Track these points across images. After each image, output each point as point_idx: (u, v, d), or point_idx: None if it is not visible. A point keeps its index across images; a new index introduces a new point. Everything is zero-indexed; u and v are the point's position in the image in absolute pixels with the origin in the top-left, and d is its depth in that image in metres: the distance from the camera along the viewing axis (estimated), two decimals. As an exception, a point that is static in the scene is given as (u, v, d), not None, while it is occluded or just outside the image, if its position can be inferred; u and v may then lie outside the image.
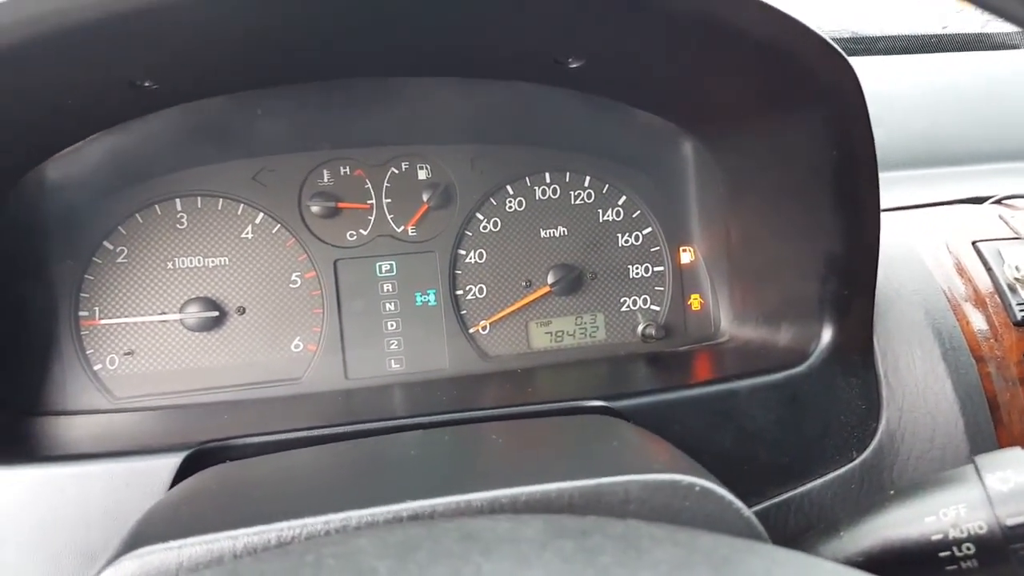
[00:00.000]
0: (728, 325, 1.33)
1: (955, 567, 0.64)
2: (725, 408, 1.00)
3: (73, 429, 1.10)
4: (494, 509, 0.60)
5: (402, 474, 0.71)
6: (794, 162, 1.04)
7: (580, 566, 0.40)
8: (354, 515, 0.59)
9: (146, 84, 0.92)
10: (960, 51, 1.75)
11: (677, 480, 0.63)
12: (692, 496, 0.63)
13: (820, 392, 1.03)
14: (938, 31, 1.80)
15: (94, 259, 1.20)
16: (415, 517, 0.59)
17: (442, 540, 0.43)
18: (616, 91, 1.13)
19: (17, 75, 0.81)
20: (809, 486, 1.01)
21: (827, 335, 1.04)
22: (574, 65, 0.99)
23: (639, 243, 1.35)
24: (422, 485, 0.64)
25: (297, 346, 1.25)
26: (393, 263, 1.29)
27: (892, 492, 0.68)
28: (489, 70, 1.06)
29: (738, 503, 0.63)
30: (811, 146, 0.98)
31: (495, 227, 1.32)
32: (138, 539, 0.60)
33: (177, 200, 1.22)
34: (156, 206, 1.21)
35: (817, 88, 0.88)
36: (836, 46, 0.84)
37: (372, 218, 1.29)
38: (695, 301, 1.36)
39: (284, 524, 0.58)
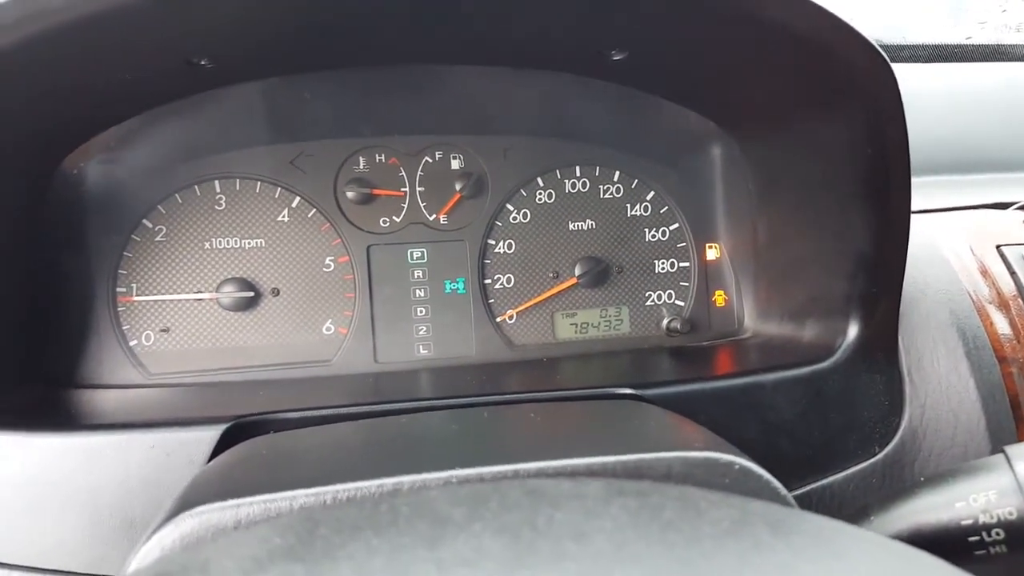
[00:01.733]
0: (751, 321, 1.35)
1: (984, 552, 0.66)
2: (751, 400, 1.01)
3: (109, 402, 1.13)
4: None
5: (448, 446, 0.73)
6: (827, 160, 1.06)
7: (646, 519, 0.42)
8: (407, 479, 0.61)
9: (202, 63, 0.94)
10: (983, 61, 1.77)
11: (717, 458, 0.65)
12: (731, 474, 0.65)
13: (844, 387, 1.04)
14: (961, 42, 1.82)
15: (133, 236, 1.22)
16: (466, 481, 0.61)
17: (510, 494, 0.46)
18: (654, 85, 1.15)
19: (79, 49, 0.83)
20: (831, 479, 1.03)
21: (853, 332, 1.06)
22: (617, 57, 1.01)
23: (666, 238, 1.37)
24: (470, 455, 0.66)
25: (329, 329, 1.28)
26: (424, 250, 1.31)
27: (922, 479, 0.70)
28: (531, 60, 1.08)
29: (776, 483, 0.64)
30: (846, 144, 1.00)
31: (525, 218, 1.34)
32: (194, 499, 0.62)
33: (216, 182, 1.25)
34: (196, 187, 1.24)
35: (856, 86, 0.90)
36: (876, 44, 0.86)
37: (405, 206, 1.31)
38: (719, 297, 1.38)
39: (340, 486, 0.60)
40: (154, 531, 0.59)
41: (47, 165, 1.12)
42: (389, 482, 0.61)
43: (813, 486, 1.03)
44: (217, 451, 0.87)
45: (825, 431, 1.03)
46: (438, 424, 0.83)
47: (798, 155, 1.12)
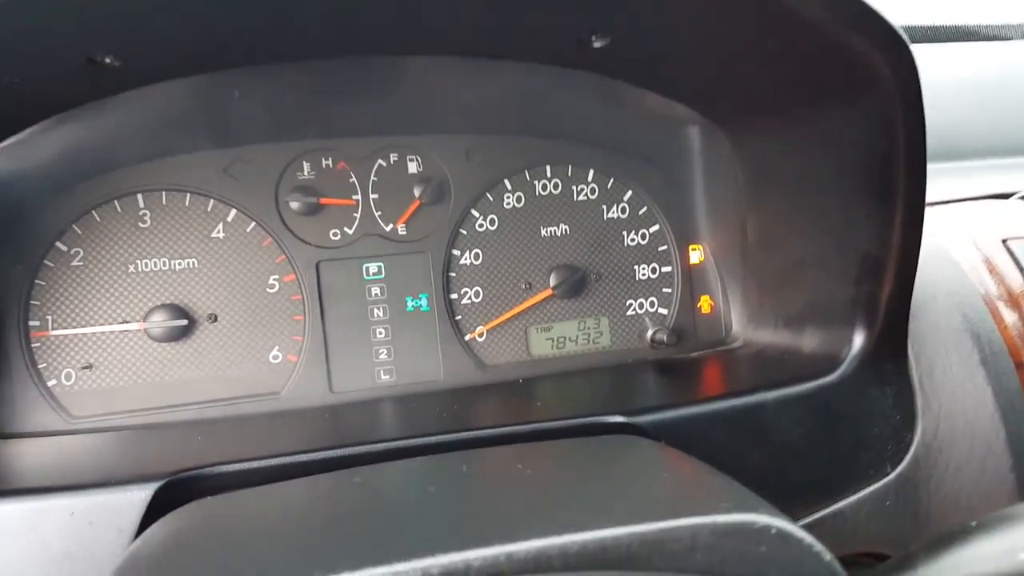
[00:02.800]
0: (741, 329, 1.25)
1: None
2: (753, 422, 0.92)
3: (26, 455, 0.98)
4: (541, 563, 0.50)
5: (423, 517, 0.61)
6: (833, 153, 0.96)
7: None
8: (376, 572, 0.48)
9: (107, 61, 0.79)
10: (983, 40, 1.68)
11: (751, 522, 0.54)
12: (767, 540, 0.54)
13: (852, 402, 0.96)
14: (961, 21, 1.73)
15: (45, 262, 1.07)
16: (449, 574, 0.49)
17: None
18: (637, 75, 1.04)
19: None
20: (842, 504, 0.95)
21: (859, 341, 0.97)
22: (598, 44, 0.90)
23: (646, 242, 1.26)
24: (451, 532, 0.54)
25: (276, 357, 1.13)
26: (381, 265, 1.18)
27: (974, 524, 0.60)
28: (501, 49, 0.95)
29: (819, 546, 0.54)
30: (857, 136, 0.90)
31: (492, 225, 1.22)
32: None
33: (139, 196, 1.10)
34: (116, 202, 1.09)
35: (875, 75, 0.80)
36: (902, 32, 0.76)
37: (358, 215, 1.17)
38: (705, 303, 1.27)
39: None
40: None
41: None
42: None
43: (823, 513, 0.95)
44: (148, 515, 0.74)
45: (833, 451, 0.96)
46: (409, 483, 0.71)
47: (798, 148, 1.02)
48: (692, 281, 1.27)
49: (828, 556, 0.52)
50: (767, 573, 0.52)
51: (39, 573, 0.73)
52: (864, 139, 0.88)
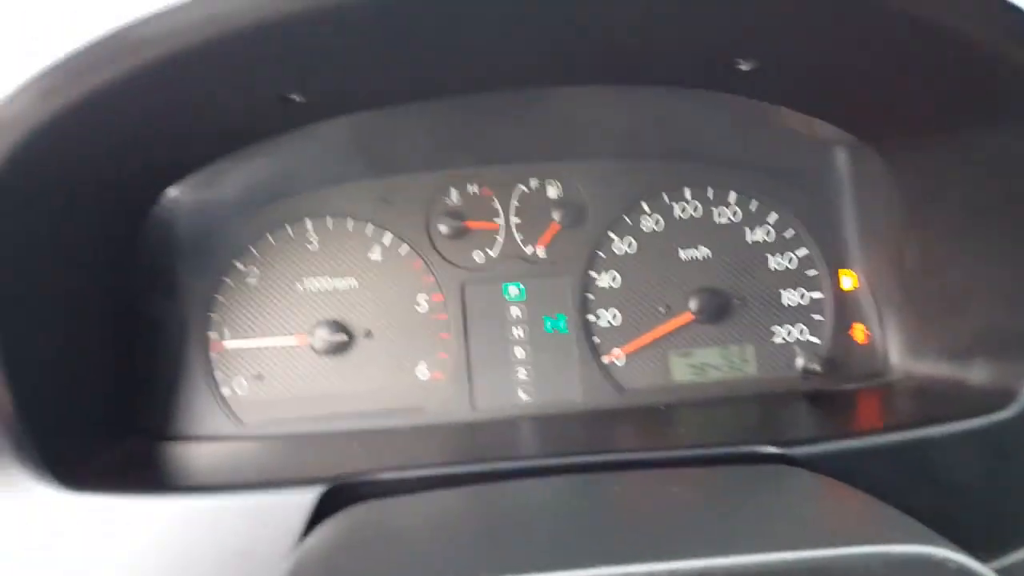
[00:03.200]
0: (900, 360, 1.16)
1: None
2: (918, 459, 0.86)
3: (201, 457, 1.07)
4: None
5: (586, 530, 0.61)
6: (1000, 173, 0.89)
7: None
8: None
9: (295, 98, 0.89)
10: None
11: (929, 554, 0.50)
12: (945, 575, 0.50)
13: None
14: None
15: (225, 279, 1.19)
16: None
17: None
18: (784, 95, 1.02)
19: (170, 88, 0.79)
20: (1015, 557, 0.85)
21: None
22: (745, 68, 0.89)
23: (793, 266, 1.21)
24: (615, 545, 0.54)
25: (423, 373, 1.19)
26: (522, 286, 1.21)
27: None
28: (648, 75, 0.97)
29: None
30: None
31: (630, 248, 1.22)
32: None
33: (308, 220, 1.20)
34: (288, 227, 1.20)
35: None
36: None
37: (501, 239, 1.22)
38: (859, 332, 1.20)
39: None
40: None
41: (139, 207, 1.11)
42: None
43: (997, 563, 0.85)
44: (314, 515, 0.79)
45: (1007, 496, 0.87)
46: (566, 498, 0.71)
47: (963, 168, 0.96)
48: (845, 308, 1.20)
49: None
50: None
51: (212, 567, 0.78)
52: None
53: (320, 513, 0.78)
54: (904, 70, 0.87)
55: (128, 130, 0.85)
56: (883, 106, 0.98)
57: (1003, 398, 0.88)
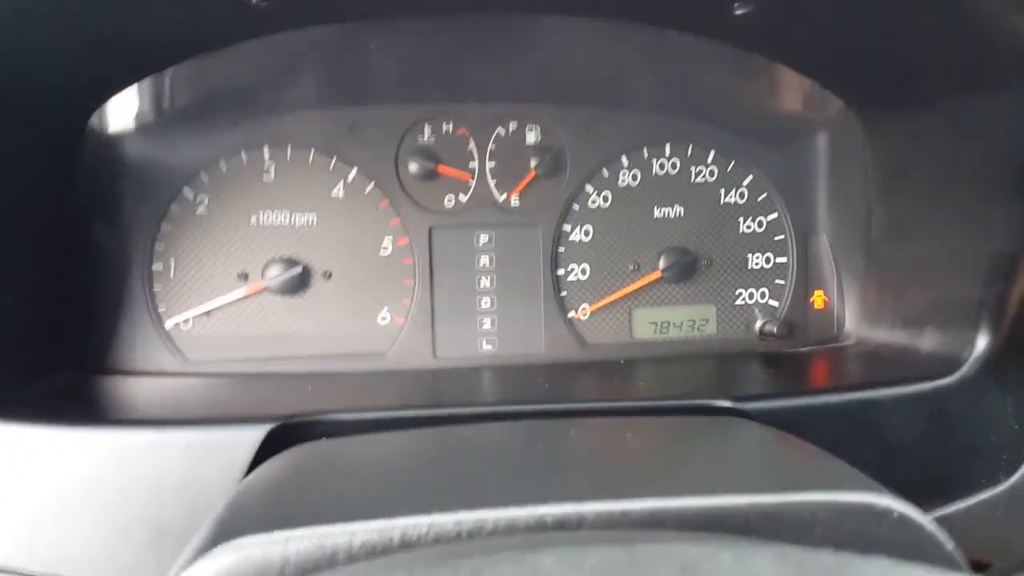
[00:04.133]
0: (854, 326, 1.20)
1: None
2: (865, 419, 0.89)
3: (143, 391, 1.02)
4: (654, 522, 0.49)
5: (534, 470, 0.61)
6: (975, 143, 0.91)
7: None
8: (490, 515, 0.48)
9: (254, 0, 0.79)
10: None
11: (872, 503, 0.52)
12: (888, 522, 0.52)
13: (969, 407, 0.92)
14: None
15: (172, 207, 1.10)
16: (561, 524, 0.49)
17: (654, 566, 0.33)
18: (775, 47, 0.99)
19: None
20: (949, 510, 0.91)
21: (982, 343, 0.92)
22: (739, 11, 0.86)
23: (762, 230, 1.22)
24: (563, 485, 0.53)
25: (384, 318, 1.14)
26: (492, 235, 1.17)
27: None
28: (639, 11, 0.92)
29: (941, 535, 0.52)
30: (1004, 125, 0.85)
31: (605, 202, 1.20)
32: (234, 526, 0.50)
33: (265, 148, 1.11)
34: (243, 153, 1.11)
35: None
36: None
37: (473, 183, 1.17)
38: (818, 298, 1.23)
39: (409, 520, 0.48)
40: (187, 563, 0.47)
41: (77, 119, 0.99)
42: (468, 517, 0.48)
43: (934, 515, 0.90)
44: (259, 454, 0.76)
45: (945, 455, 0.92)
46: (517, 439, 0.70)
47: (939, 136, 0.97)
48: (808, 274, 1.22)
49: (951, 544, 0.49)
50: (885, 555, 0.51)
51: (155, 500, 0.75)
52: (1012, 129, 0.82)
53: (267, 451, 0.75)
54: (899, 28, 0.86)
55: (70, 27, 0.75)
56: (871, 66, 0.97)
57: (949, 365, 0.93)
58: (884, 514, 0.51)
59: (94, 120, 1.01)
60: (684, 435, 0.74)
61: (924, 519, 0.52)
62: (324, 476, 0.63)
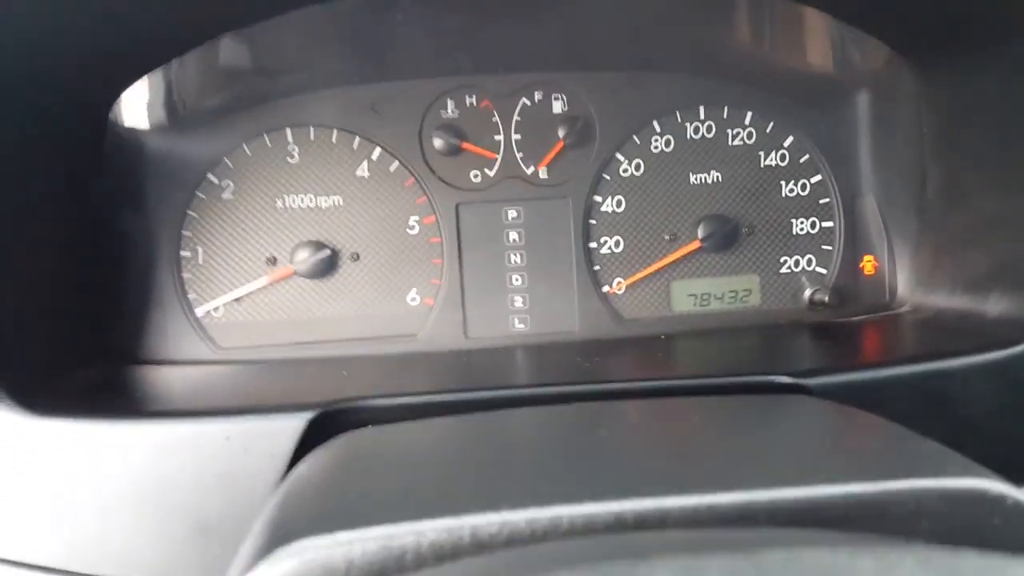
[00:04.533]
0: (908, 292, 1.13)
1: None
2: (935, 391, 0.83)
3: (178, 381, 1.01)
4: (746, 519, 0.45)
5: (602, 459, 0.56)
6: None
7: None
8: (566, 512, 0.44)
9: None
10: None
11: (985, 489, 0.47)
12: (1002, 511, 0.46)
13: None
14: None
15: (198, 193, 1.09)
16: (642, 521, 0.44)
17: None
18: (822, -1, 0.93)
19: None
20: None
21: None
22: (782, -42, 0.81)
23: (806, 193, 1.15)
24: (638, 477, 0.49)
25: (414, 299, 1.12)
26: (521, 209, 1.14)
27: None
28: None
29: None
30: None
31: (637, 170, 1.15)
32: (292, 527, 0.47)
33: (288, 131, 1.09)
34: (265, 136, 1.09)
35: None
36: None
37: (500, 157, 1.13)
38: (868, 264, 1.16)
39: (479, 518, 0.44)
40: (246, 567, 0.45)
41: (98, 109, 0.99)
42: (543, 515, 0.44)
43: None
44: (302, 443, 0.74)
45: (1021, 428, 0.84)
46: (575, 423, 0.66)
47: (1002, 86, 0.89)
48: (856, 239, 1.15)
49: None
50: (997, 548, 0.45)
51: (196, 494, 0.73)
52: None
53: (308, 440, 0.73)
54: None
55: (90, 9, 0.74)
56: (928, 12, 0.90)
57: (1020, 332, 0.86)
58: (998, 501, 0.46)
59: (115, 110, 1.00)
60: (752, 416, 0.68)
61: None
62: (378, 469, 0.60)
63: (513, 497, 0.45)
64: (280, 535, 0.46)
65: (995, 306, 0.95)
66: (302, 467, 0.64)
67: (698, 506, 0.45)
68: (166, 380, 1.01)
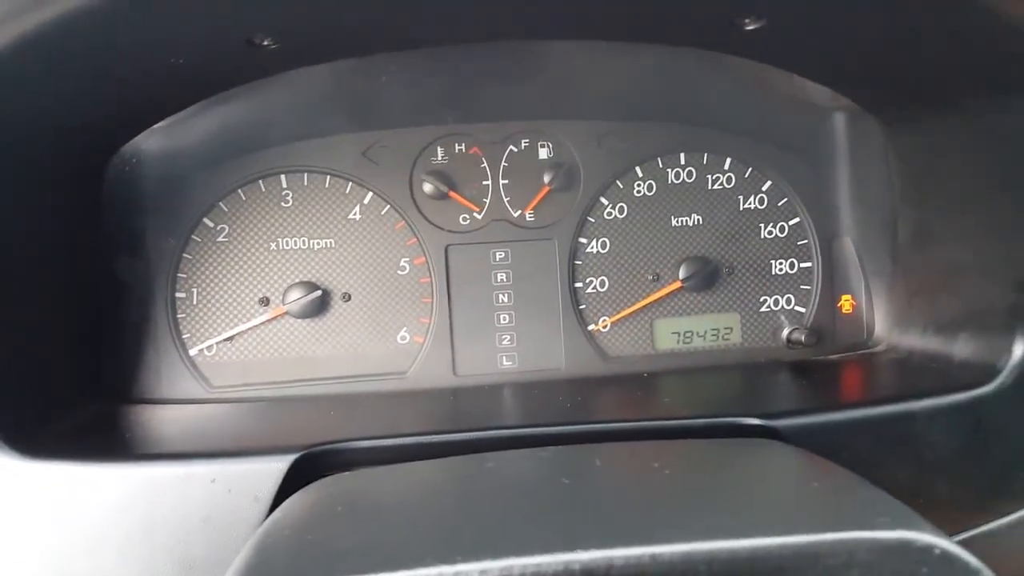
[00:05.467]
0: (884, 332, 1.16)
1: None
2: (901, 432, 0.86)
3: (168, 422, 1.03)
4: (687, 569, 0.48)
5: (561, 508, 0.59)
6: (1004, 150, 0.88)
7: None
8: (517, 563, 0.47)
9: (265, 43, 0.81)
10: None
11: (913, 540, 0.50)
12: (930, 561, 0.50)
13: (1010, 417, 0.88)
14: None
15: (193, 237, 1.12)
16: (588, 572, 0.48)
17: None
18: (789, 59, 0.98)
19: (130, 31, 0.71)
20: (993, 525, 0.88)
21: (1020, 350, 0.89)
22: (751, 27, 0.85)
23: (784, 235, 1.19)
24: (591, 528, 0.52)
25: (403, 338, 1.15)
26: (508, 251, 1.17)
27: None
28: (649, 32, 0.92)
29: (988, 572, 0.49)
30: None
31: (621, 213, 1.19)
32: (265, 574, 0.50)
33: (283, 176, 1.13)
34: (260, 182, 1.13)
35: None
36: None
37: (488, 200, 1.17)
38: (846, 303, 1.19)
39: (433, 571, 0.47)
40: None
41: (99, 158, 1.02)
42: (494, 566, 0.47)
43: (973, 533, 0.87)
44: (284, 485, 0.76)
45: (986, 468, 0.89)
46: (542, 470, 0.69)
47: (966, 143, 0.94)
48: (833, 279, 1.19)
49: None
50: None
51: (180, 535, 0.75)
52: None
53: (291, 482, 0.75)
54: (915, 38, 0.84)
55: (86, 71, 0.77)
56: (889, 74, 0.95)
57: (985, 374, 0.89)
58: (926, 551, 0.49)
59: (114, 159, 1.04)
60: (714, 463, 0.72)
61: (969, 556, 0.49)
62: (347, 517, 0.62)
63: (469, 548, 0.48)
64: None
65: (962, 349, 0.99)
66: (277, 514, 0.66)
67: (641, 556, 0.48)
68: (158, 420, 1.03)
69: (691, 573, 0.47)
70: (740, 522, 0.52)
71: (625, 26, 0.91)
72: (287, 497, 0.70)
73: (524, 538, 0.50)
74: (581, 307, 1.18)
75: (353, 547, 0.53)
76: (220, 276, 1.12)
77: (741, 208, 1.19)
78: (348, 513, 0.63)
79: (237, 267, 1.12)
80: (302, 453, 0.77)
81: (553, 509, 0.59)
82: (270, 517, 0.68)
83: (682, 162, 1.19)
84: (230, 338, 1.12)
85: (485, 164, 1.17)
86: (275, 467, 0.76)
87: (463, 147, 1.16)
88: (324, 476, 0.74)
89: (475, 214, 1.17)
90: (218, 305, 1.12)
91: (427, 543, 0.52)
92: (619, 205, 1.18)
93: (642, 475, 0.68)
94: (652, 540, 0.48)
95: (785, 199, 1.19)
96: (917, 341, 1.09)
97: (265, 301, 1.12)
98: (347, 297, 1.14)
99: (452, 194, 1.15)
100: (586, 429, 0.83)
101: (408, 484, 0.70)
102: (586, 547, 0.47)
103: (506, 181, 1.17)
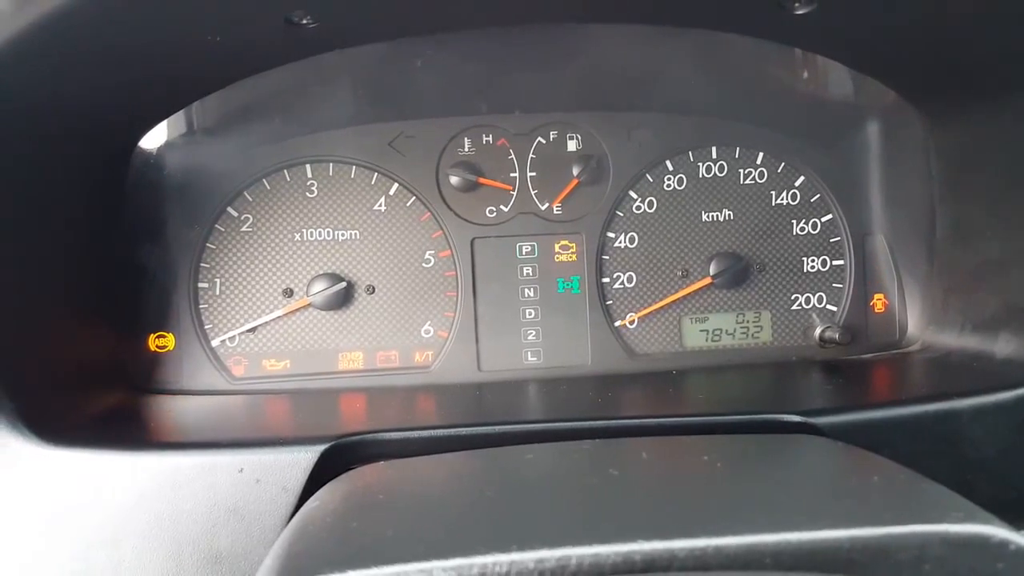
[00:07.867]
0: (918, 331, 1.14)
1: None
2: (944, 431, 0.83)
3: (191, 411, 1.01)
4: (751, 561, 0.46)
5: (613, 499, 0.57)
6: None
7: None
8: (574, 553, 0.45)
9: (303, 22, 0.79)
10: None
11: (988, 535, 0.47)
12: (1005, 557, 0.47)
13: None
14: None
15: (216, 226, 1.10)
16: (650, 562, 0.45)
17: None
18: (837, 48, 0.95)
19: (166, 7, 0.70)
20: None
21: None
22: (800, 11, 0.82)
23: (817, 232, 1.17)
24: (648, 518, 0.50)
25: (428, 331, 1.13)
26: (535, 244, 1.15)
27: None
28: (693, 15, 0.89)
29: None
30: None
31: (650, 208, 1.16)
32: (303, 563, 0.48)
33: (308, 166, 1.11)
34: (285, 171, 1.11)
35: None
36: None
37: (515, 193, 1.15)
38: (878, 302, 1.17)
39: (488, 559, 0.45)
40: None
41: (125, 143, 1.01)
42: (551, 555, 0.45)
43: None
44: (313, 475, 0.74)
45: (1028, 468, 0.85)
46: (588, 463, 0.67)
47: (1010, 133, 0.91)
48: (866, 276, 1.16)
49: None
50: None
51: (208, 525, 0.74)
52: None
53: (319, 474, 0.74)
54: (964, 23, 0.81)
55: (117, 51, 0.76)
56: (939, 63, 0.92)
57: (1029, 372, 0.87)
58: (1001, 547, 0.46)
59: (139, 145, 1.03)
60: (761, 456, 0.70)
61: None
62: (388, 506, 0.60)
63: (522, 537, 0.46)
64: (291, 572, 0.46)
65: (1004, 347, 0.96)
66: (314, 502, 0.65)
67: (705, 548, 0.46)
68: (180, 410, 1.02)
69: (755, 566, 0.45)
70: (804, 515, 0.49)
71: (667, 7, 0.88)
72: (315, 488, 0.69)
73: (579, 528, 0.48)
74: (608, 303, 1.16)
75: (403, 535, 0.51)
76: (243, 266, 1.11)
77: (773, 204, 1.16)
78: (392, 501, 0.61)
79: (261, 257, 1.11)
80: (332, 443, 0.76)
81: (605, 499, 0.57)
82: (306, 505, 0.66)
83: (713, 156, 1.16)
84: (252, 329, 1.11)
85: (513, 156, 1.15)
86: (304, 457, 0.75)
87: (490, 138, 1.14)
88: (350, 468, 0.73)
89: (502, 206, 1.15)
90: (241, 296, 1.11)
91: (479, 532, 0.50)
92: (648, 199, 1.16)
93: (693, 468, 0.66)
94: (713, 532, 0.46)
95: (818, 195, 1.17)
96: (954, 340, 1.06)
97: (289, 292, 1.11)
98: (371, 289, 1.12)
99: (482, 180, 1.13)
100: (618, 424, 0.80)
101: (448, 474, 0.68)
102: (647, 537, 0.45)
103: (534, 173, 1.15)
